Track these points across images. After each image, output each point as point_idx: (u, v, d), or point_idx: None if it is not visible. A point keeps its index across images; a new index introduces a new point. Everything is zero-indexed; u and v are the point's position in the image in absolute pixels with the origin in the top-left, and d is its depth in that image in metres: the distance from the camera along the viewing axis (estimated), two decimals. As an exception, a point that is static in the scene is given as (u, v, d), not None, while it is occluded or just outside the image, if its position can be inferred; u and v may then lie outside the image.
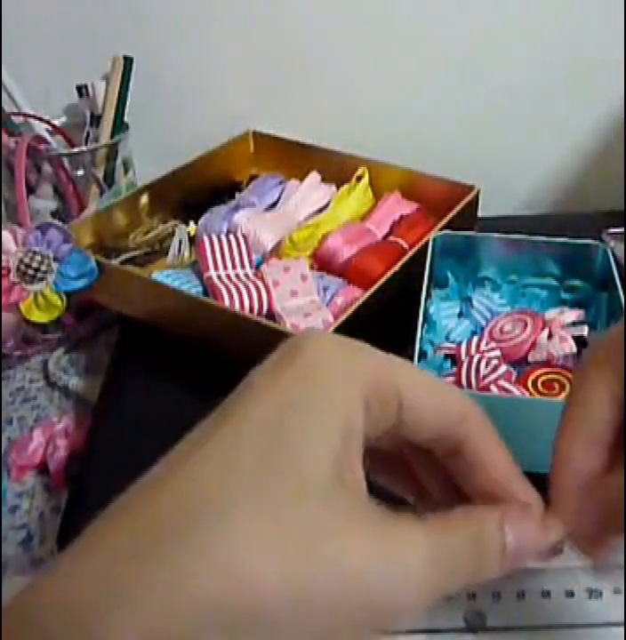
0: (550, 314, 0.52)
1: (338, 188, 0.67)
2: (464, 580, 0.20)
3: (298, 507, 0.18)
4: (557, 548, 0.23)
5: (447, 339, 0.52)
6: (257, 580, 0.17)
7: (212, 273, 0.55)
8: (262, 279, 0.55)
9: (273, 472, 0.18)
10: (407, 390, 0.22)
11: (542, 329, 0.50)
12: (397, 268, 0.54)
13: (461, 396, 0.24)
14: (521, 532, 0.22)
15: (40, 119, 0.66)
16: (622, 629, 0.37)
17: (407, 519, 0.20)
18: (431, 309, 0.53)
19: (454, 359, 0.49)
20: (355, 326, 0.50)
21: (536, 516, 0.23)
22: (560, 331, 0.50)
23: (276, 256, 0.60)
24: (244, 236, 0.59)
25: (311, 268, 0.58)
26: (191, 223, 0.64)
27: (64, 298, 0.54)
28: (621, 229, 0.64)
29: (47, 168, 0.64)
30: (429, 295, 0.51)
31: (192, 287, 0.55)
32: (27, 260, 0.53)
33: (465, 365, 0.47)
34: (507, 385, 0.45)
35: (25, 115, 0.66)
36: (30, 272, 0.53)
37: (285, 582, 0.17)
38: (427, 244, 0.54)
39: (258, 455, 0.19)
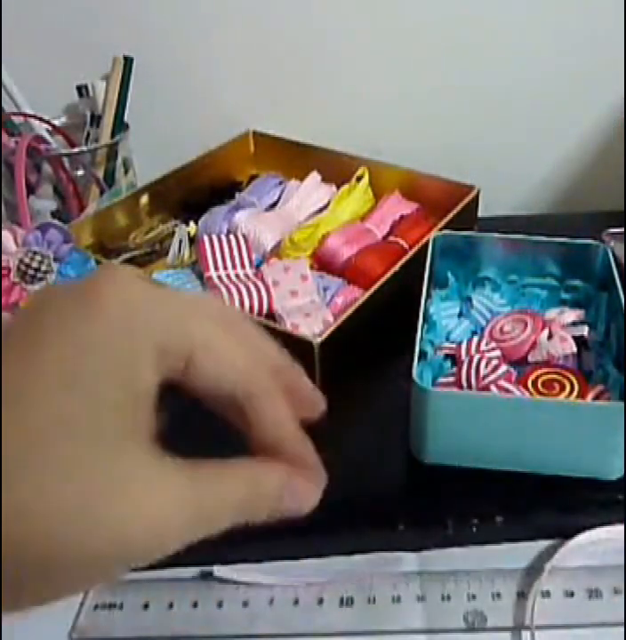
0: (550, 314, 0.52)
1: (338, 187, 0.67)
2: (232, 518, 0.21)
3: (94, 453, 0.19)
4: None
5: (447, 339, 0.52)
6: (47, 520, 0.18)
7: (212, 273, 0.55)
8: (262, 279, 0.55)
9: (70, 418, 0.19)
10: (199, 347, 0.22)
11: (542, 329, 0.50)
12: (397, 268, 0.54)
13: (250, 352, 0.23)
14: (295, 492, 0.23)
15: (40, 119, 0.66)
16: (622, 629, 0.37)
17: (177, 466, 0.21)
18: (431, 309, 0.53)
19: (454, 359, 0.49)
20: (355, 326, 0.50)
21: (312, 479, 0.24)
22: (560, 331, 0.50)
23: (276, 256, 0.60)
24: (244, 236, 0.59)
25: (311, 267, 0.58)
26: (191, 223, 0.64)
27: (64, 298, 0.54)
28: (621, 229, 0.64)
29: (47, 168, 0.64)
30: (429, 295, 0.51)
31: (192, 287, 0.55)
32: (27, 260, 0.53)
33: (465, 365, 0.47)
34: (507, 385, 0.45)
35: (25, 115, 0.66)
36: (30, 272, 0.53)
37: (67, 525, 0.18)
38: (427, 243, 0.54)
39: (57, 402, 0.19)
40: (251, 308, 0.52)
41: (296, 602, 0.39)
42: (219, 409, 0.23)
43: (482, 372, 0.46)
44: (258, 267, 0.57)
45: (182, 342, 0.22)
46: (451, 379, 0.47)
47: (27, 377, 0.19)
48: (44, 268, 0.53)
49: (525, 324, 0.50)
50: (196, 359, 0.22)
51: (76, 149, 0.66)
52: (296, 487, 0.23)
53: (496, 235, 0.55)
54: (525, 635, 0.37)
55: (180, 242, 0.63)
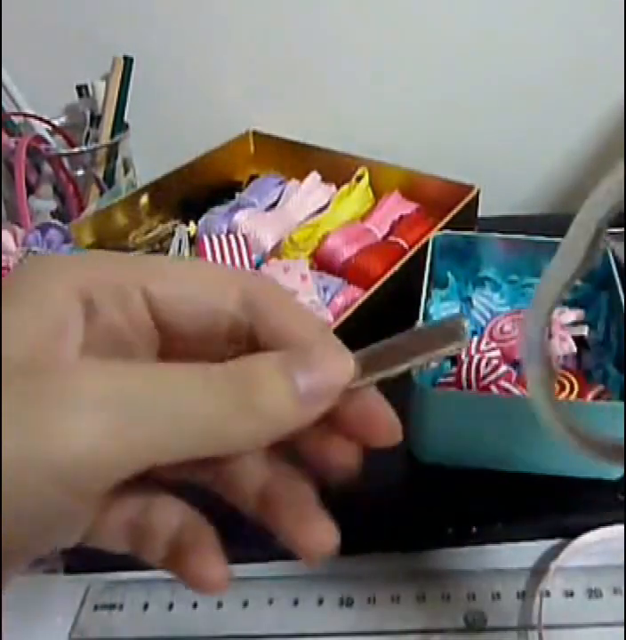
0: (550, 314, 0.52)
1: (338, 188, 0.67)
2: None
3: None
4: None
5: (447, 339, 0.52)
6: None
7: (212, 273, 0.55)
8: (262, 279, 0.55)
9: None
10: (154, 285, 0.21)
11: (542, 329, 0.50)
12: (397, 268, 0.54)
13: (237, 275, 0.22)
14: (310, 373, 0.20)
15: (40, 119, 0.66)
16: (622, 629, 0.37)
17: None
18: (431, 309, 0.53)
19: (454, 359, 0.49)
20: (355, 326, 0.50)
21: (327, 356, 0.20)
22: (560, 331, 0.50)
23: (276, 256, 0.60)
24: (244, 236, 0.59)
25: (311, 267, 0.58)
26: (191, 223, 0.64)
27: (64, 298, 0.54)
28: (621, 229, 0.64)
29: (47, 168, 0.64)
30: (429, 295, 0.51)
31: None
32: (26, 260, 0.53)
33: (465, 365, 0.47)
34: (507, 385, 0.45)
35: (25, 115, 0.66)
36: (30, 272, 0.53)
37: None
38: (427, 244, 0.54)
39: None
40: (251, 308, 0.52)
41: (296, 602, 0.39)
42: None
43: (482, 371, 0.46)
44: (258, 267, 0.57)
45: (129, 286, 0.21)
46: (451, 379, 0.47)
47: None
48: (44, 268, 0.53)
49: (525, 324, 0.50)
50: (158, 298, 0.21)
51: (76, 149, 0.66)
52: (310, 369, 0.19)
53: (496, 235, 0.55)
54: (526, 635, 0.37)
55: (180, 242, 0.63)
